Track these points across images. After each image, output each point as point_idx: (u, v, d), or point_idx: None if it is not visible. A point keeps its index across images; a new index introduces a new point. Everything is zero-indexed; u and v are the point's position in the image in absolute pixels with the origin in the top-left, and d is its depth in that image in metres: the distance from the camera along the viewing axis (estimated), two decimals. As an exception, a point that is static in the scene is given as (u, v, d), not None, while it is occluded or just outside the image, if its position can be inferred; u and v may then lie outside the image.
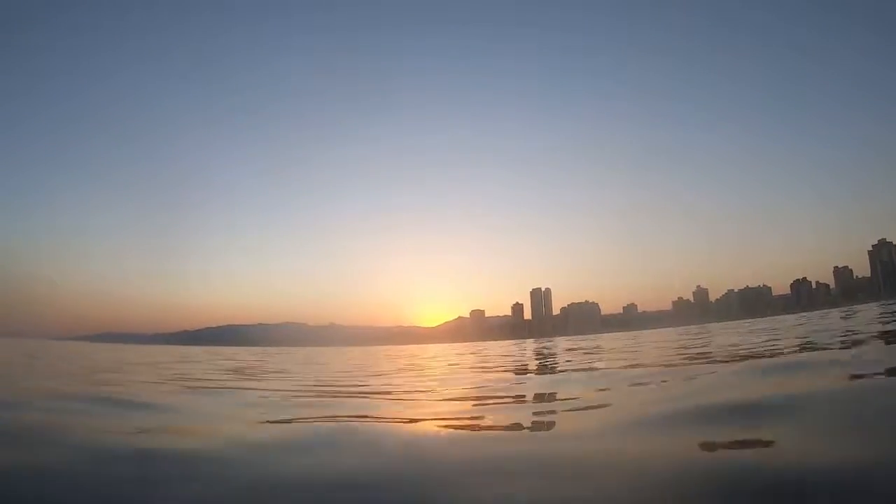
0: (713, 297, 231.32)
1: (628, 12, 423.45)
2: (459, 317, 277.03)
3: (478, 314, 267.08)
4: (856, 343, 7.38)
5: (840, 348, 7.01)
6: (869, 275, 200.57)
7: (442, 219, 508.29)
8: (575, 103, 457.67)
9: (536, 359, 13.41)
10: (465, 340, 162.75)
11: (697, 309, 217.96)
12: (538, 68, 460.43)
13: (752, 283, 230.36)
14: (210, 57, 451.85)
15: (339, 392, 6.79)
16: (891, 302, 38.11)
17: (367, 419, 4.30)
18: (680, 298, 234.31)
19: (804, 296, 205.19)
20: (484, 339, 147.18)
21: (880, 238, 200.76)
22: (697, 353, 9.31)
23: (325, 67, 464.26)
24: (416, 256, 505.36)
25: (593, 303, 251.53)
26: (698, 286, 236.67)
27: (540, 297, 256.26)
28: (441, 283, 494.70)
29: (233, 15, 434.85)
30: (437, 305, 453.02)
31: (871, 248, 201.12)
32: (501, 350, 22.28)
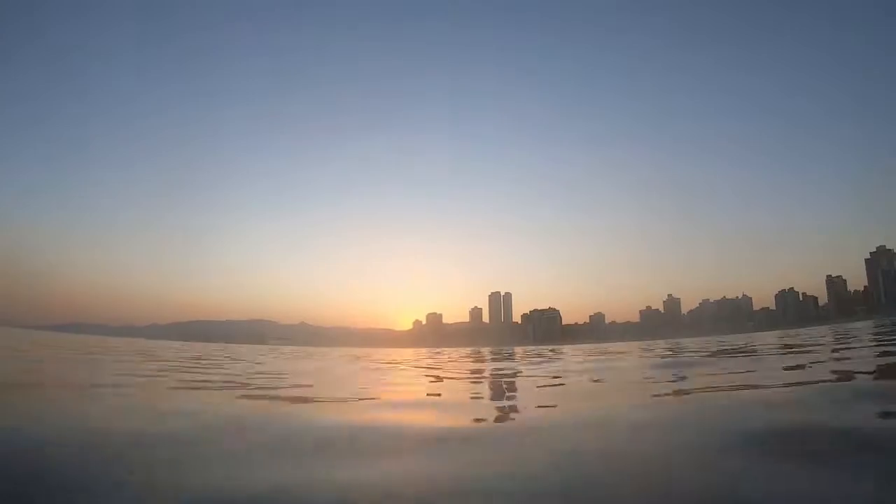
0: (686, 308, 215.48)
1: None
2: (416, 320, 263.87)
3: (435, 319, 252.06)
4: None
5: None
6: (865, 286, 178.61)
7: (409, 220, 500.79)
8: (539, 110, 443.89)
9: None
10: (420, 346, 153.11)
11: (667, 320, 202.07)
12: (504, 71, 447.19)
13: (730, 294, 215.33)
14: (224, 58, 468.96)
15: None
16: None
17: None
18: (648, 308, 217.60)
19: (790, 309, 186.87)
20: (440, 346, 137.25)
21: (879, 245, 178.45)
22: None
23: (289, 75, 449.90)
24: (388, 259, 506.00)
25: (556, 310, 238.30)
26: (669, 295, 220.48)
27: (499, 302, 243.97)
28: (407, 284, 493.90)
29: (248, 19, 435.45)
30: (404, 308, 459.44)
31: (868, 257, 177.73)
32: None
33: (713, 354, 11.29)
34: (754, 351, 12.18)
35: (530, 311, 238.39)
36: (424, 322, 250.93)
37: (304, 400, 4.87)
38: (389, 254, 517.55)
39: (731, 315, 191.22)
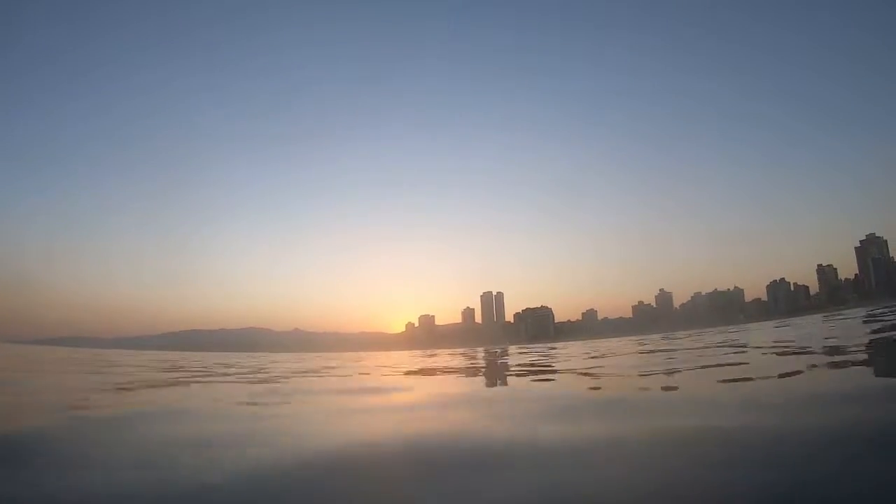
0: (678, 301, 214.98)
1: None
2: (409, 323, 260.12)
3: (427, 320, 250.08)
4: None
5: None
6: (855, 274, 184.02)
7: (399, 223, 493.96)
8: (530, 108, 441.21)
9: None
10: (413, 348, 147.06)
11: (660, 315, 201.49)
12: (493, 71, 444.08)
13: (722, 287, 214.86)
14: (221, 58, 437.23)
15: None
16: (881, 308, 31.23)
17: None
18: (640, 303, 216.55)
19: (781, 299, 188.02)
20: (433, 347, 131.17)
21: (869, 233, 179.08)
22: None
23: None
24: (379, 262, 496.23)
25: (548, 308, 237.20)
26: (661, 290, 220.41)
27: (491, 302, 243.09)
28: (399, 287, 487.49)
29: (246, 17, 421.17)
30: (396, 311, 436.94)
31: (858, 245, 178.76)
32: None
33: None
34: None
35: (522, 310, 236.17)
36: (417, 324, 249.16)
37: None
38: (381, 257, 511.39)
39: (724, 307, 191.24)
